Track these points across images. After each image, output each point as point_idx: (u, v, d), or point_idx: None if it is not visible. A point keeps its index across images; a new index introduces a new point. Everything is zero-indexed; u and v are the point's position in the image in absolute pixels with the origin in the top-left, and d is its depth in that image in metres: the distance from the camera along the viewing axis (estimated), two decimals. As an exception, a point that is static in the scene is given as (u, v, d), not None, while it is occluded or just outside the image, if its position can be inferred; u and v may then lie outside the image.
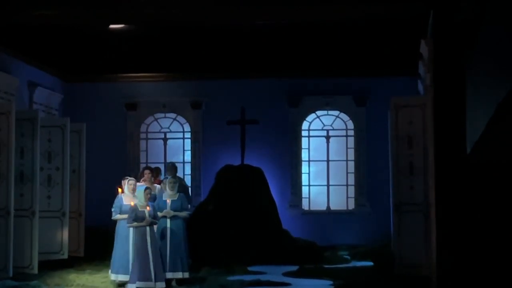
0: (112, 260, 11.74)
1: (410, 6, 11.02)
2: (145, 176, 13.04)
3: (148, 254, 10.99)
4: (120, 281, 11.52)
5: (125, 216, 11.41)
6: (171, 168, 13.61)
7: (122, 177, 12.70)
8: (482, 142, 8.25)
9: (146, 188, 11.42)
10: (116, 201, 11.92)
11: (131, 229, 11.41)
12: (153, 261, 10.97)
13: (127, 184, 11.83)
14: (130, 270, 11.23)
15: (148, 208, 11.25)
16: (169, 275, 11.45)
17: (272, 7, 11.28)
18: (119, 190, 11.96)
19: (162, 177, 13.92)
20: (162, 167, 15.58)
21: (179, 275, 11.67)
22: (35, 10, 11.37)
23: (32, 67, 16.35)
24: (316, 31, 14.86)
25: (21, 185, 12.70)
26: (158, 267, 11.08)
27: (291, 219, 17.45)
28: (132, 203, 11.36)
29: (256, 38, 15.33)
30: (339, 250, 16.68)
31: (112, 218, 11.80)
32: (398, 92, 14.70)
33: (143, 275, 10.90)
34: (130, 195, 11.72)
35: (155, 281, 10.93)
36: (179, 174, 16.58)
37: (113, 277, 11.64)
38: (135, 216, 11.15)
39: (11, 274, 12.02)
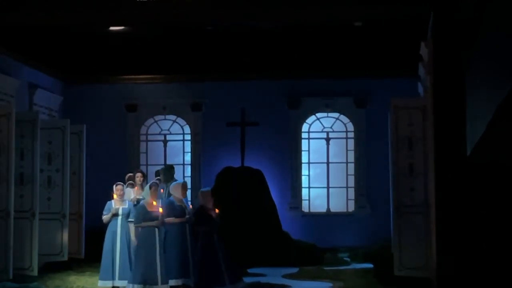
0: (118, 267, 11.48)
1: (410, 8, 11.04)
2: (137, 179, 12.90)
3: (188, 250, 10.98)
4: None
5: (152, 223, 10.96)
6: (170, 170, 13.54)
7: (125, 180, 12.70)
8: (482, 143, 8.25)
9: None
10: (107, 206, 11.81)
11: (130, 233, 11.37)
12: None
13: (152, 190, 11.20)
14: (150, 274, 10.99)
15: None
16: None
17: (271, 9, 11.28)
18: (114, 196, 11.83)
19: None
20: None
21: None
22: (35, 12, 11.38)
23: (32, 69, 16.36)
24: (316, 33, 14.87)
25: (21, 187, 12.68)
26: None
27: (291, 221, 17.45)
28: (161, 210, 11.07)
29: (256, 39, 15.34)
30: (339, 252, 16.69)
31: (138, 225, 11.10)
32: (398, 93, 14.65)
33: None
34: (149, 200, 11.24)
35: None
36: (179, 176, 16.63)
37: (118, 283, 11.38)
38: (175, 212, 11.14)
39: (11, 276, 12.00)
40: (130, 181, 12.78)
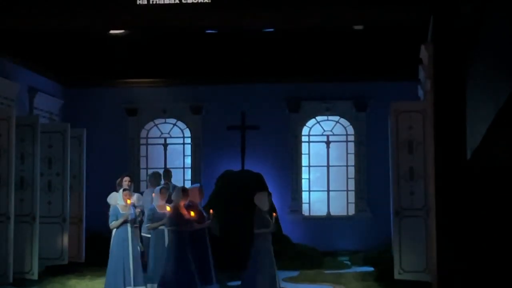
0: (144, 272, 11.45)
1: (410, 12, 11.04)
2: (125, 183, 12.73)
3: (208, 251, 11.25)
4: None
5: (184, 227, 11.01)
6: (166, 174, 13.52)
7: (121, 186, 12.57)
8: (483, 147, 8.24)
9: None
10: (113, 212, 11.47)
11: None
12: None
13: (183, 195, 11.27)
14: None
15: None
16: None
17: (272, 12, 11.29)
18: (128, 201, 11.46)
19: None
20: (161, 172, 15.43)
21: None
22: (36, 15, 11.39)
23: (33, 73, 16.35)
24: (317, 37, 14.88)
25: (21, 191, 12.70)
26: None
27: (292, 225, 17.44)
28: (193, 214, 11.06)
29: (256, 43, 15.36)
30: (340, 255, 16.68)
31: (171, 228, 11.10)
32: (398, 97, 14.67)
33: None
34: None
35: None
36: (179, 179, 16.63)
37: None
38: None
39: (11, 280, 12.01)
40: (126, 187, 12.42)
